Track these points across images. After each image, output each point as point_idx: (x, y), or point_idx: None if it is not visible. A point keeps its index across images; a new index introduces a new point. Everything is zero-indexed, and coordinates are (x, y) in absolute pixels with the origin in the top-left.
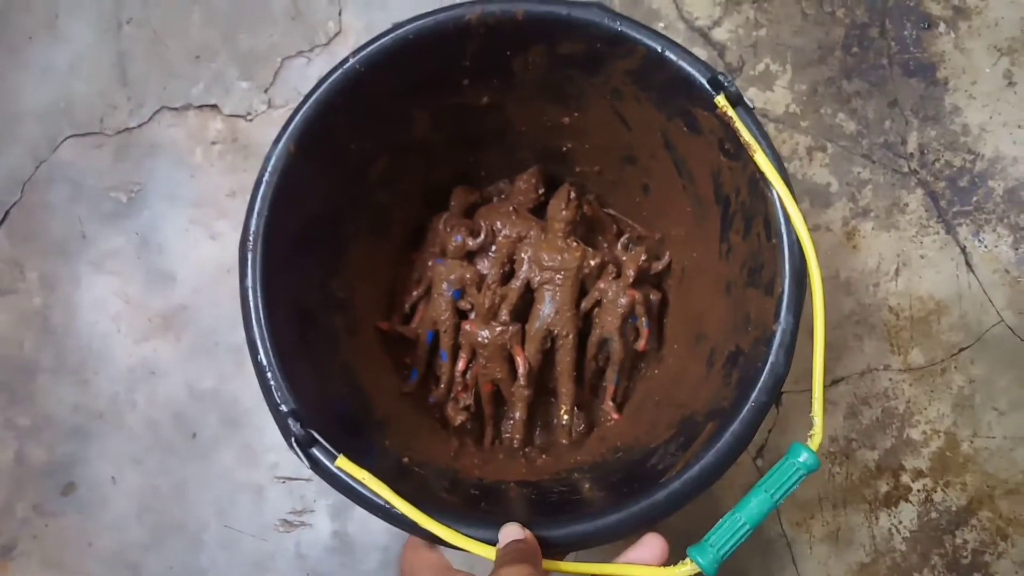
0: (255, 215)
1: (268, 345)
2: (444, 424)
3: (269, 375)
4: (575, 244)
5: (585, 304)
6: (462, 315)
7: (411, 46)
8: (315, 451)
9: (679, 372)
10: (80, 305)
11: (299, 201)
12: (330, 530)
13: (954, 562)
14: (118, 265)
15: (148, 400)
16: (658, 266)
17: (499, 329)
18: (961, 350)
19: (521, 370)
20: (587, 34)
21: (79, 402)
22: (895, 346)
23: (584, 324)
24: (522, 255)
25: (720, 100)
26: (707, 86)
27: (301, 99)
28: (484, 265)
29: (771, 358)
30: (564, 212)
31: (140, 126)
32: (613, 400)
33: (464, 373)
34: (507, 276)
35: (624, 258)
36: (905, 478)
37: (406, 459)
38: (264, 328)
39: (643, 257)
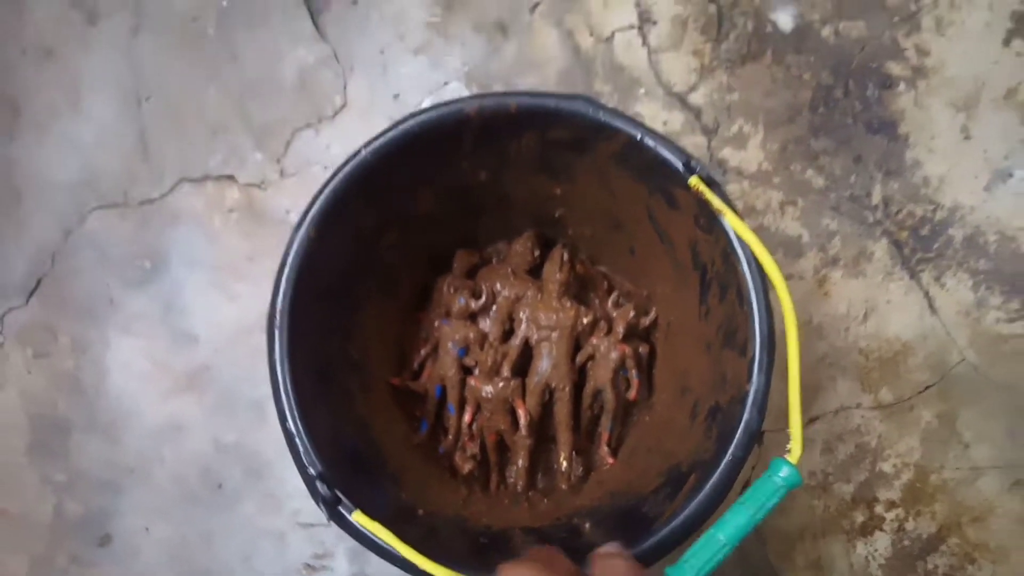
0: (280, 296)
1: (296, 414)
2: (453, 473)
3: (298, 441)
4: (569, 304)
5: (579, 358)
6: (467, 371)
7: (416, 137)
8: (339, 508)
9: (666, 421)
10: (109, 366)
11: (318, 277)
12: (349, 573)
13: None
14: (144, 328)
15: (175, 455)
16: (645, 321)
17: (501, 384)
18: (927, 387)
19: (523, 421)
20: (573, 123)
21: (111, 458)
22: (866, 385)
23: (579, 376)
24: (520, 314)
25: (693, 180)
26: (681, 169)
27: (319, 188)
28: (486, 324)
29: (745, 416)
30: (558, 275)
31: (162, 197)
32: (608, 446)
33: (471, 425)
34: (507, 334)
35: (614, 314)
36: (879, 509)
37: (421, 511)
38: (292, 399)
39: (631, 313)
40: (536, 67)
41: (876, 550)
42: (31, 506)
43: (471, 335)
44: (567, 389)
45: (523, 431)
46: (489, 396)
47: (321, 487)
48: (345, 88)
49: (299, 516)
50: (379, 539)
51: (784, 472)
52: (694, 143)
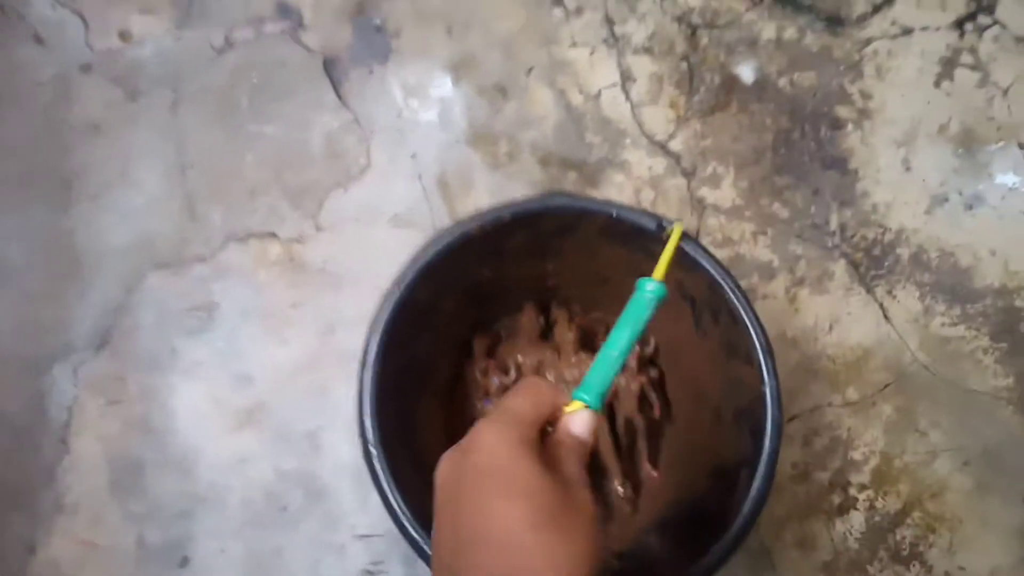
0: (366, 431)
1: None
2: None
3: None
4: (584, 356)
5: (607, 398)
6: None
7: (435, 264)
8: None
9: (692, 427)
10: (176, 409)
11: (384, 399)
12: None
13: (896, 554)
14: (204, 372)
15: (241, 483)
16: (648, 350)
17: None
18: (886, 386)
19: None
20: (558, 215)
21: (184, 489)
22: (835, 386)
23: (610, 411)
24: (547, 376)
25: (667, 233)
26: (654, 230)
27: (369, 330)
28: None
29: (769, 412)
30: (569, 334)
31: (212, 255)
32: (649, 461)
33: None
34: None
35: None
36: (852, 491)
37: None
38: (390, 478)
39: (636, 347)
40: (533, 123)
41: (852, 527)
42: (116, 537)
43: None
44: (604, 426)
45: None
46: None
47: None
48: (368, 150)
49: (356, 530)
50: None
51: (651, 287)
52: (676, 184)
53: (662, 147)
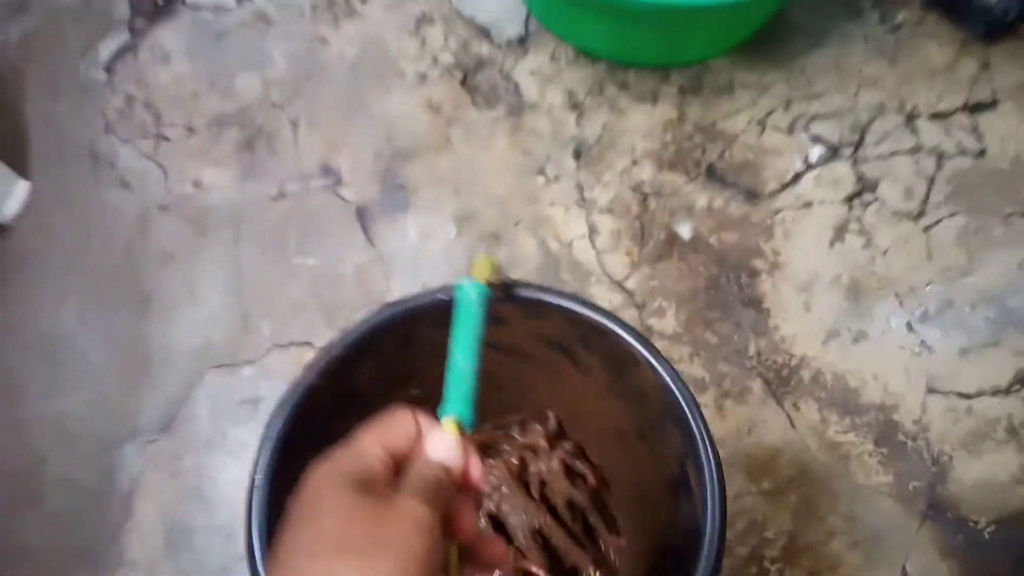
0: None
1: None
2: None
3: None
4: (493, 462)
5: (535, 491)
6: None
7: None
8: None
9: (633, 474)
10: (224, 483)
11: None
12: None
13: None
14: (249, 453)
15: None
16: (551, 426)
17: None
18: (792, 479)
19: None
20: (394, 324)
21: (226, 550)
22: (752, 478)
23: (546, 504)
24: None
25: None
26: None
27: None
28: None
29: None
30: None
31: (259, 358)
32: (610, 532)
33: None
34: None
35: (528, 440)
36: (766, 563)
37: None
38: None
39: (538, 427)
40: (520, 263)
41: None
42: None
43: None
44: (548, 520)
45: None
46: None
47: None
48: (388, 279)
49: None
50: None
51: (466, 283)
52: (630, 315)
53: (620, 285)
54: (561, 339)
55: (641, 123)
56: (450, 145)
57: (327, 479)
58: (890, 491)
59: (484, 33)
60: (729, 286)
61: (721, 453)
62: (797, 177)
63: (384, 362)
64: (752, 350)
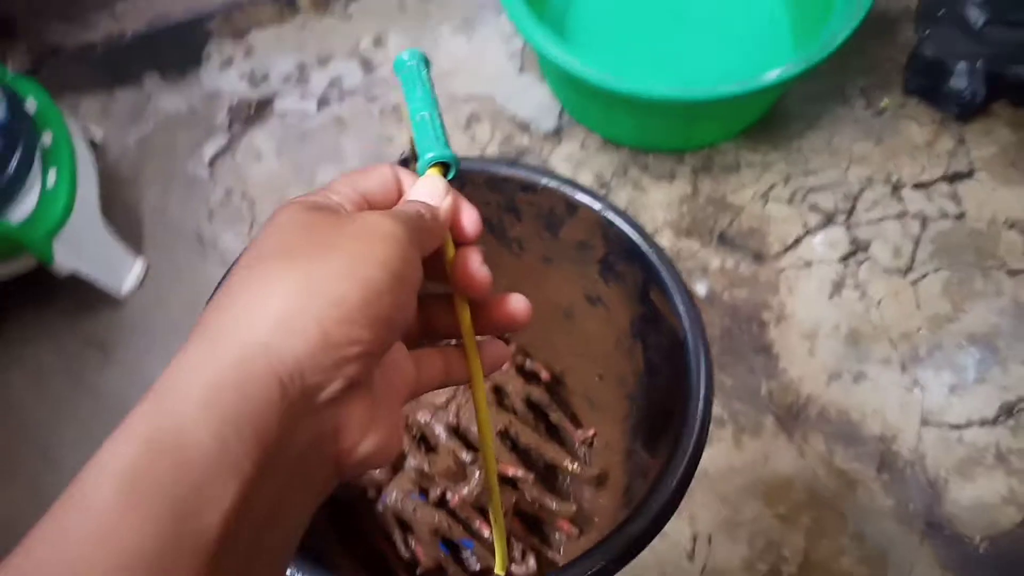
0: None
1: None
2: None
3: None
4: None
5: (491, 396)
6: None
7: None
8: None
9: (590, 364)
10: None
11: None
12: None
13: None
14: None
15: None
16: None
17: (475, 481)
18: (804, 503)
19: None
20: None
21: None
22: (768, 504)
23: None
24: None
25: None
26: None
27: None
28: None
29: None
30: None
31: None
32: (575, 427)
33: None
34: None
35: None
36: None
37: None
38: None
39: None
40: None
41: None
42: None
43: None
44: (512, 420)
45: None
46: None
47: None
48: None
49: None
50: None
51: (406, 56)
52: None
53: None
54: (488, 214)
55: (660, 198)
56: None
57: (287, 206)
58: (892, 513)
59: (524, 127)
60: (741, 335)
61: (739, 481)
62: (798, 241)
63: None
64: (764, 390)
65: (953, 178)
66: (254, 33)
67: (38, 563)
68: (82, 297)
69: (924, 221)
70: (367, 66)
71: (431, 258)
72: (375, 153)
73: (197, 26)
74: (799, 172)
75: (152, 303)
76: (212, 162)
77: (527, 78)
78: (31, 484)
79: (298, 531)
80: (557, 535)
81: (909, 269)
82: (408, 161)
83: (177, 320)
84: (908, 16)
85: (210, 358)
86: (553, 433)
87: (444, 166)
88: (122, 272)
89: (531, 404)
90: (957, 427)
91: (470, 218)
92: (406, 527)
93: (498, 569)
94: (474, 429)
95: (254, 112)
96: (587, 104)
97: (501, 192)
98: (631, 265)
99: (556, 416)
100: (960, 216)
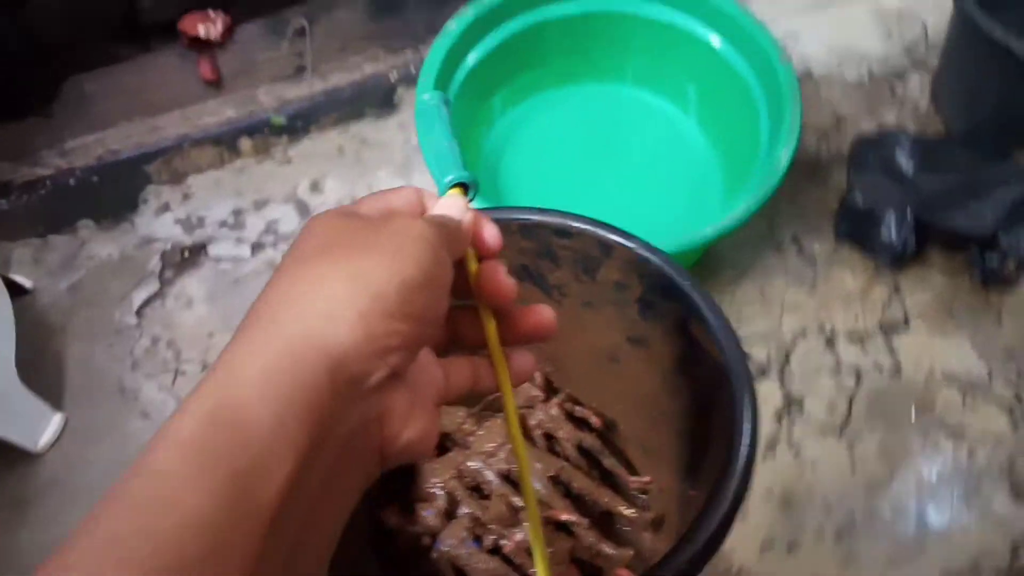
0: None
1: None
2: None
3: None
4: (488, 424)
5: (542, 443)
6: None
7: None
8: None
9: (636, 409)
10: None
11: None
12: None
13: None
14: None
15: None
16: (538, 379)
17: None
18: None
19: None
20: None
21: None
22: None
23: (556, 464)
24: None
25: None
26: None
27: None
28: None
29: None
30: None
31: None
32: (629, 471)
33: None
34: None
35: (519, 400)
36: None
37: None
38: None
39: (524, 384)
40: None
41: None
42: None
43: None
44: (565, 466)
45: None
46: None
47: None
48: None
49: None
50: None
51: (427, 96)
52: None
53: None
54: (526, 261)
55: None
56: None
57: (321, 215)
58: None
59: None
60: None
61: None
62: None
63: None
64: None
65: (888, 329)
66: (192, 178)
67: (107, 526)
68: None
69: (859, 375)
70: (303, 210)
71: (456, 273)
72: None
73: (138, 170)
74: (732, 322)
75: (70, 458)
76: (141, 310)
77: None
78: None
79: (345, 514)
80: None
81: (844, 427)
82: None
83: (94, 476)
84: (840, 161)
85: (263, 345)
86: (607, 480)
87: (464, 188)
88: (38, 428)
89: (583, 451)
90: None
91: (490, 232)
92: (461, 574)
93: None
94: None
95: (187, 258)
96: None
97: (535, 239)
98: (669, 301)
99: (610, 462)
100: (896, 370)
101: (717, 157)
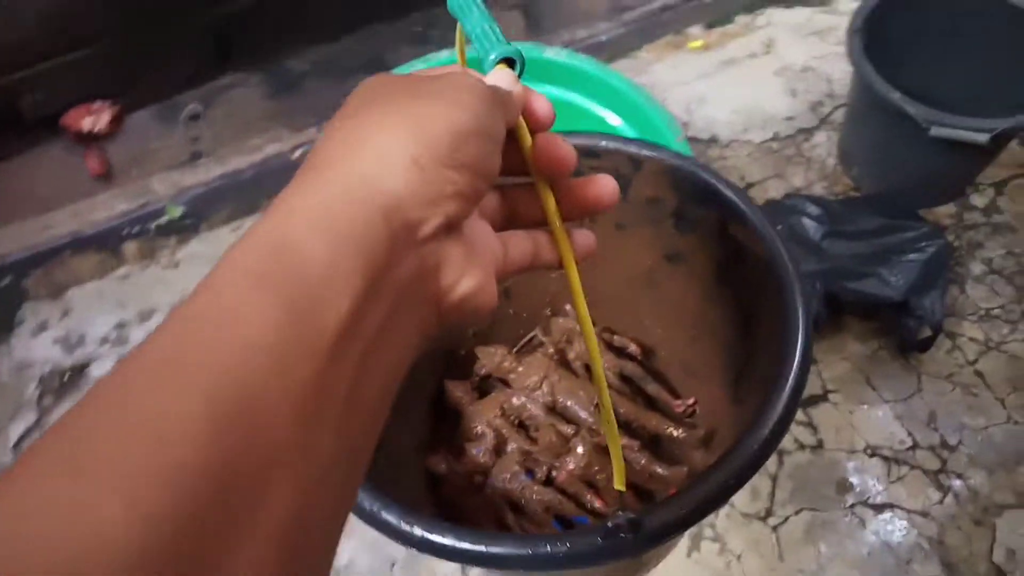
0: None
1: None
2: None
3: None
4: (528, 359)
5: (582, 373)
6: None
7: None
8: None
9: (675, 328)
10: None
11: None
12: None
13: None
14: None
15: None
16: (572, 314)
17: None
18: None
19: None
20: None
21: None
22: None
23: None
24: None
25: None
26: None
27: None
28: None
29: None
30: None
31: None
32: (672, 395)
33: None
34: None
35: (555, 336)
36: None
37: None
38: None
39: (559, 320)
40: None
41: None
42: None
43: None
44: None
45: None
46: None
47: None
48: None
49: None
50: None
51: None
52: None
53: None
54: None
55: None
56: None
57: (371, 77)
58: None
59: None
60: None
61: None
62: None
63: None
64: None
65: (807, 403)
66: (72, 290)
67: (172, 339)
68: None
69: (780, 455)
70: None
71: (509, 150)
72: None
73: (14, 287)
74: None
75: None
76: (18, 444)
77: None
78: None
79: (401, 370)
80: None
81: (769, 513)
82: None
83: None
84: None
85: (319, 186)
86: (652, 406)
87: (509, 63)
88: None
89: (625, 379)
90: None
91: (541, 105)
92: (517, 508)
93: (618, 485)
94: (571, 403)
95: (67, 381)
96: None
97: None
98: (706, 207)
99: (653, 388)
100: (817, 446)
101: None
